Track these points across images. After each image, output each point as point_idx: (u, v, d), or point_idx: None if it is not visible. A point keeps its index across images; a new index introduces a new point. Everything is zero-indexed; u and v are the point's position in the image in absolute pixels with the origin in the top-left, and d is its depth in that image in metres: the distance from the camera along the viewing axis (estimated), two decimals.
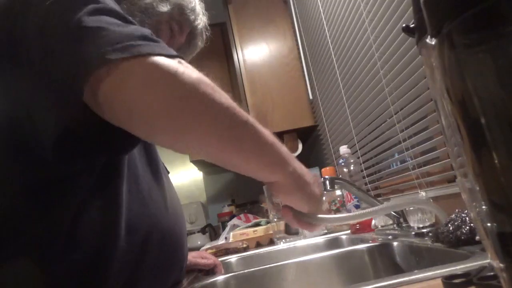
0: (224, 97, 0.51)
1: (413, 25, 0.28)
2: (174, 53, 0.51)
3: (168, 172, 0.88)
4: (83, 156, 0.59)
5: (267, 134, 0.56)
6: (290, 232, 0.80)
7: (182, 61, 0.51)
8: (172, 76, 0.48)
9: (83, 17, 0.50)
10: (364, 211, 0.69)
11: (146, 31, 0.52)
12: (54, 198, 0.58)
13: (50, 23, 0.52)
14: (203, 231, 2.77)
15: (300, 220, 0.66)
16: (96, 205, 0.61)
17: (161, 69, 0.48)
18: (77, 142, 0.56)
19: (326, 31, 1.75)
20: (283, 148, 0.59)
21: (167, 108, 0.48)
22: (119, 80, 0.47)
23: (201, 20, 0.89)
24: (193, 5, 0.86)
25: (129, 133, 0.53)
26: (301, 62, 2.31)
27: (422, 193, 0.98)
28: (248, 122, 0.53)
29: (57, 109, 0.52)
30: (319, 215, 0.65)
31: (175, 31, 0.84)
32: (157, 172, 0.77)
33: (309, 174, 0.64)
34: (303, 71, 2.29)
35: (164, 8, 0.80)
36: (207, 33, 0.92)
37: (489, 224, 0.23)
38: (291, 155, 0.61)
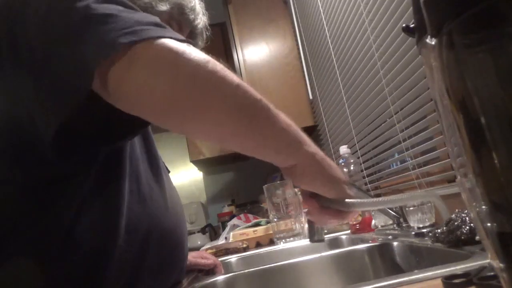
0: (234, 76, 0.50)
1: (413, 25, 0.28)
2: (183, 37, 0.51)
3: (169, 172, 0.88)
4: (82, 150, 0.59)
5: (283, 115, 0.54)
6: (313, 239, 0.71)
7: (190, 45, 0.51)
8: (181, 55, 0.48)
9: (91, 4, 0.50)
10: (397, 196, 0.60)
11: (155, 18, 0.52)
12: (54, 198, 0.58)
13: (55, 10, 0.52)
14: (203, 231, 2.77)
15: (327, 210, 0.59)
16: (97, 205, 0.61)
17: (170, 49, 0.48)
18: (76, 135, 0.56)
19: (326, 31, 1.75)
20: (300, 131, 0.56)
21: (176, 86, 0.48)
22: (128, 62, 0.47)
23: (201, 19, 0.89)
24: (192, 4, 0.86)
25: (128, 120, 0.52)
26: (301, 62, 2.31)
27: None
28: (261, 101, 0.52)
29: (61, 99, 0.51)
30: (349, 200, 0.58)
31: (175, 30, 0.84)
32: (158, 172, 0.77)
33: (329, 159, 0.60)
34: (303, 71, 2.29)
35: (164, 7, 0.80)
36: (207, 33, 0.92)
37: (489, 224, 0.23)
38: (309, 138, 0.58)
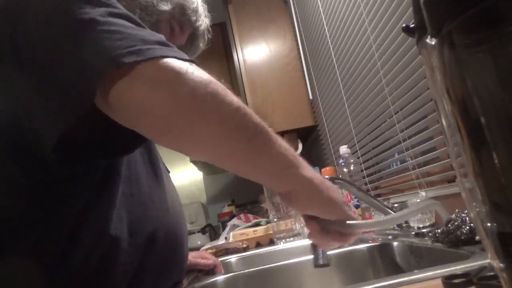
0: (234, 99, 0.51)
1: (413, 25, 0.28)
2: (186, 57, 0.51)
3: (169, 172, 0.88)
4: (84, 158, 0.59)
5: (280, 140, 0.54)
6: (318, 263, 0.69)
7: (194, 64, 0.51)
8: (181, 75, 0.48)
9: (98, 18, 0.50)
10: (397, 214, 0.59)
11: (160, 36, 0.53)
12: (55, 200, 0.58)
13: (58, 22, 0.52)
14: (203, 231, 2.77)
15: (328, 233, 0.59)
16: (99, 207, 0.61)
17: (172, 68, 0.48)
18: (77, 144, 0.56)
19: (326, 31, 1.75)
20: (298, 156, 0.56)
21: (175, 105, 0.48)
22: (130, 80, 0.47)
23: (203, 21, 0.89)
24: (195, 5, 0.86)
25: (129, 135, 0.53)
26: (301, 62, 2.31)
27: (422, 193, 0.98)
28: (260, 124, 0.52)
29: (62, 110, 0.52)
30: (350, 222, 0.57)
31: (176, 31, 0.84)
32: (158, 173, 0.77)
33: (326, 180, 0.59)
34: (303, 71, 2.29)
35: (165, 7, 0.80)
36: (209, 35, 0.92)
37: (489, 224, 0.23)
38: (306, 163, 0.57)
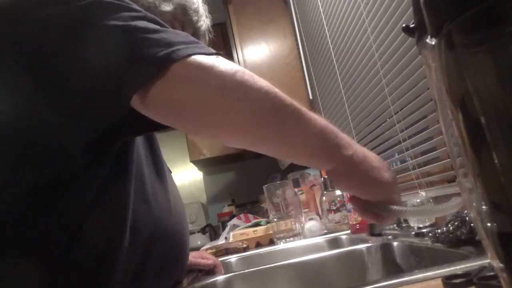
0: (263, 83, 0.52)
1: (413, 25, 0.28)
2: (212, 50, 0.53)
3: (171, 172, 0.88)
4: (109, 138, 0.60)
5: (316, 118, 0.54)
6: (374, 232, 0.71)
7: (220, 57, 0.52)
8: (207, 70, 0.50)
9: (120, 24, 0.51)
10: (441, 206, 0.57)
11: (185, 34, 0.55)
12: (60, 199, 0.58)
13: (82, 32, 0.53)
14: (203, 231, 2.77)
15: (367, 210, 0.58)
16: (103, 207, 0.61)
17: (198, 65, 0.50)
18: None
19: (326, 31, 1.75)
20: (338, 133, 0.55)
21: (206, 100, 0.50)
22: (162, 84, 0.50)
23: (204, 22, 0.89)
24: (196, 6, 0.86)
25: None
26: (301, 62, 2.31)
27: (422, 193, 0.98)
28: (291, 105, 0.52)
29: (93, 120, 0.55)
30: (389, 206, 0.55)
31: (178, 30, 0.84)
32: (162, 173, 0.77)
33: (376, 158, 0.58)
34: (303, 71, 2.29)
35: (167, 7, 0.80)
36: (210, 35, 0.93)
37: (489, 224, 0.23)
38: (349, 139, 0.56)
